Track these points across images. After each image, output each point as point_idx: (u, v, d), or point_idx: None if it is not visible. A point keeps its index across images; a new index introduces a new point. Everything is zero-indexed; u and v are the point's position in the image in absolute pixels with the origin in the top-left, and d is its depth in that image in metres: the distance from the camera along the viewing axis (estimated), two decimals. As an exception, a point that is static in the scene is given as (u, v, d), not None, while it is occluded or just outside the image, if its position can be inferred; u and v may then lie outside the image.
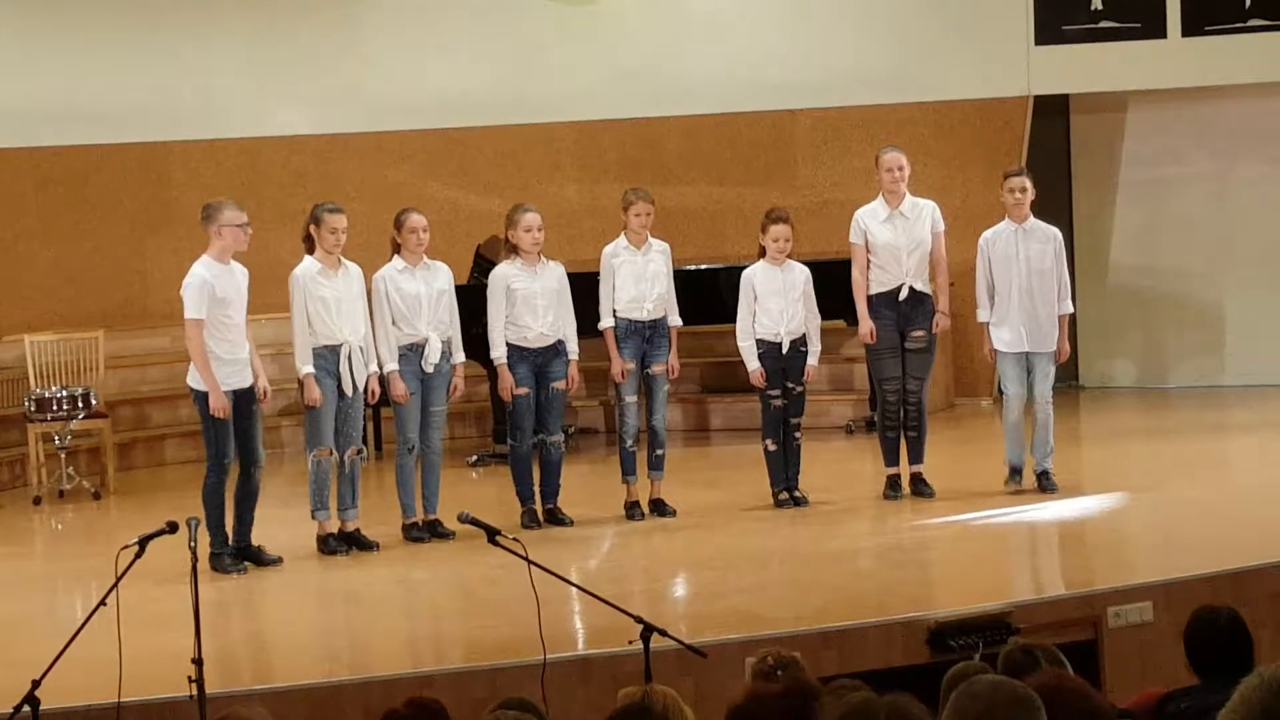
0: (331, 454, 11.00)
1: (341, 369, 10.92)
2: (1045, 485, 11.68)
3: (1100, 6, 15.64)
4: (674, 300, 11.87)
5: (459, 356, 11.44)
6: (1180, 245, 16.38)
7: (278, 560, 10.81)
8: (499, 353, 11.45)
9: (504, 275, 11.49)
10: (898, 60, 16.08)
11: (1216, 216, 16.25)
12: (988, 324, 11.74)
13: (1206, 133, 16.24)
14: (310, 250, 11.01)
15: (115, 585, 7.41)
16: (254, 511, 10.81)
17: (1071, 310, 11.80)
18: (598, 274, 11.78)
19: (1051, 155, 16.20)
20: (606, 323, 11.71)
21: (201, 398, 10.54)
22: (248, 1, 16.38)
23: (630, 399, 11.76)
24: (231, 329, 10.59)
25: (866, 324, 11.72)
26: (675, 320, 11.87)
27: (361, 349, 11.00)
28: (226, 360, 10.55)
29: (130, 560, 7.47)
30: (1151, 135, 16.40)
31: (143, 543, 7.56)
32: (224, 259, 10.61)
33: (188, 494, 12.26)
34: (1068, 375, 15.91)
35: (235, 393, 10.59)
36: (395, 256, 11.31)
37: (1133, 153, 16.48)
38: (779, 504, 11.79)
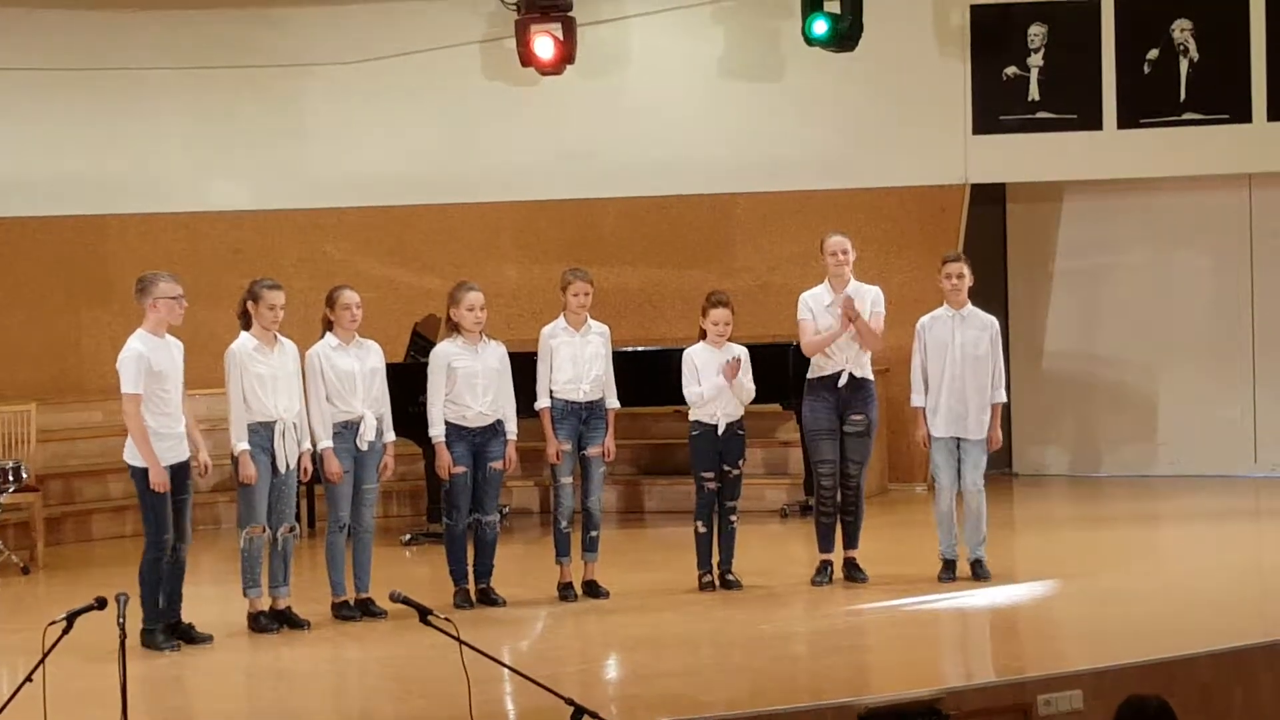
0: (264, 531, 10.94)
1: (276, 445, 10.87)
2: (979, 573, 11.70)
3: (1037, 97, 15.80)
4: (612, 383, 11.87)
5: (390, 435, 11.41)
6: (1114, 334, 16.50)
7: (208, 639, 10.71)
8: (437, 431, 11.42)
9: (445, 354, 11.47)
10: (836, 146, 16.19)
11: (1151, 306, 16.38)
12: (922, 409, 11.77)
13: (1141, 223, 16.40)
14: (246, 326, 10.97)
15: (42, 661, 7.35)
16: (182, 588, 10.72)
17: (1004, 399, 11.83)
18: (536, 354, 11.79)
19: (987, 243, 16.31)
20: (543, 403, 11.70)
21: (139, 474, 10.45)
22: (187, 76, 16.39)
23: (565, 480, 11.74)
24: (168, 403, 10.51)
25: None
26: (613, 403, 11.87)
27: (296, 425, 10.96)
28: (163, 435, 10.47)
29: (58, 636, 7.41)
30: (1087, 225, 16.54)
31: (71, 618, 7.48)
32: (159, 332, 10.56)
33: (118, 569, 12.20)
34: (1001, 463, 15.96)
35: (171, 467, 10.51)
36: (328, 334, 11.28)
37: (1068, 242, 16.62)
38: (702, 586, 11.78)
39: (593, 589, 11.78)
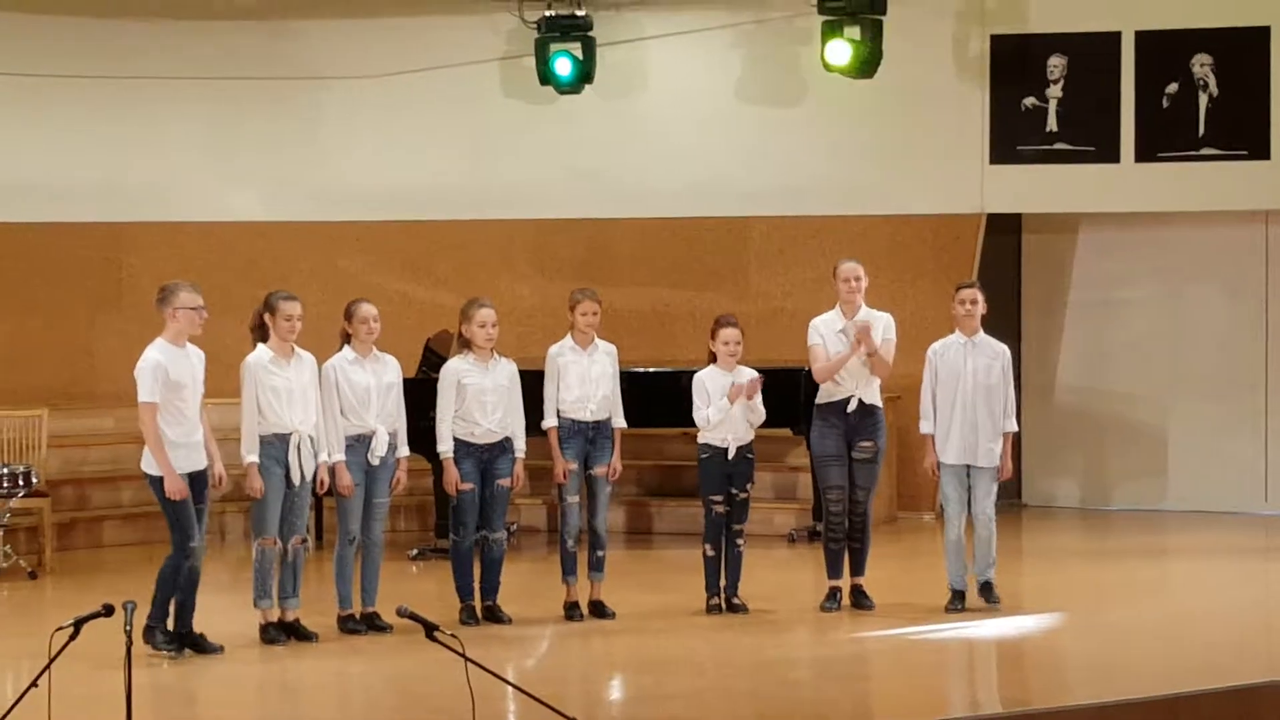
0: (276, 543, 10.94)
1: (290, 458, 10.87)
2: (988, 597, 11.69)
3: (1055, 128, 15.80)
4: (619, 402, 11.88)
5: (403, 450, 11.42)
6: (1127, 368, 16.49)
7: (219, 649, 10.70)
8: (445, 447, 11.42)
9: (455, 370, 11.48)
10: (853, 173, 16.19)
11: (1164, 341, 16.37)
12: (931, 436, 11.76)
13: (1156, 257, 16.38)
14: (261, 338, 10.98)
15: (48, 667, 7.36)
16: (195, 597, 10.72)
17: (1015, 429, 11.81)
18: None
19: (1002, 273, 16.31)
20: (550, 423, 11.70)
21: (156, 483, 10.46)
22: (208, 86, 16.42)
23: (572, 499, 11.74)
24: (185, 412, 10.52)
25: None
26: (620, 422, 11.87)
27: (311, 438, 10.96)
28: (180, 444, 10.48)
29: (64, 642, 7.42)
30: (1102, 258, 16.53)
31: (78, 624, 7.50)
32: (178, 342, 10.57)
33: (126, 576, 12.22)
34: (1010, 493, 15.94)
35: (189, 475, 10.52)
36: (345, 347, 11.30)
37: (1083, 274, 16.61)
38: (710, 609, 11.77)
39: (599, 609, 11.78)
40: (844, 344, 11.70)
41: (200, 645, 10.67)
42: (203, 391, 10.68)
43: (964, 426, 11.66)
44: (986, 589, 11.73)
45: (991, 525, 11.69)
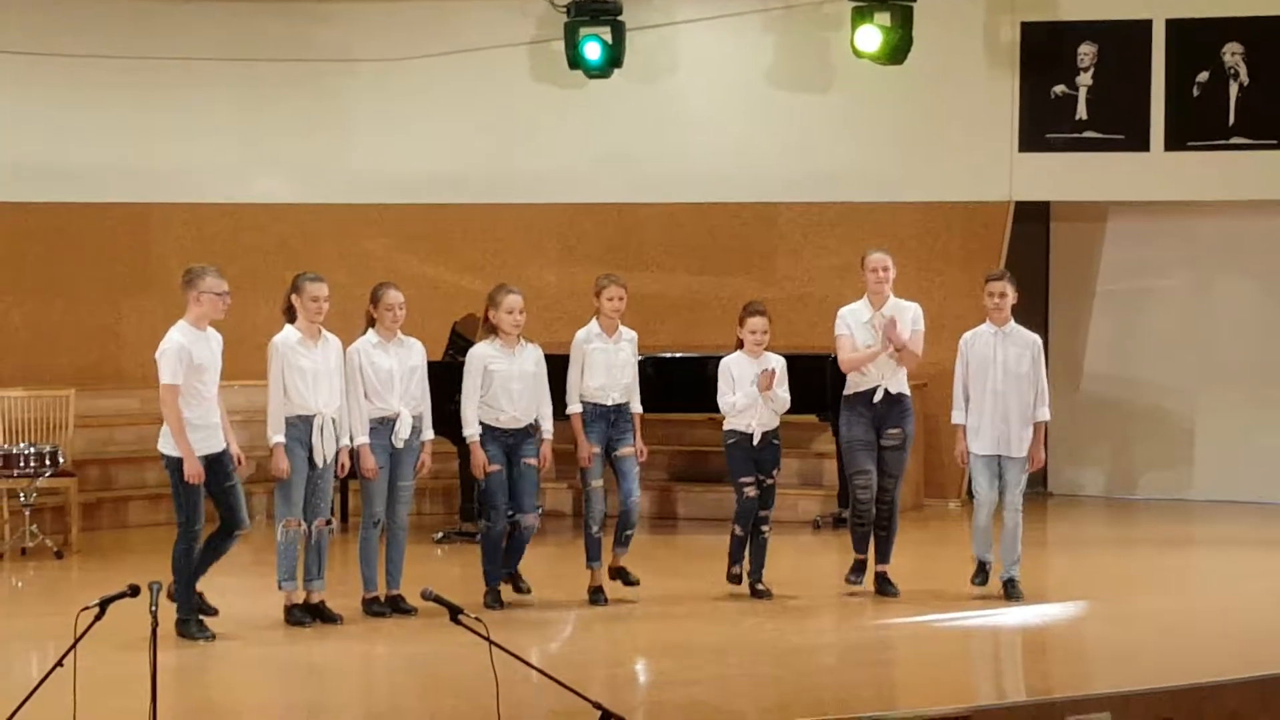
0: (300, 525, 10.96)
1: (314, 439, 10.89)
2: (1011, 593, 11.65)
3: (1085, 116, 15.75)
4: (636, 388, 11.88)
5: (428, 433, 11.43)
6: (1154, 357, 16.44)
7: (214, 611, 10.75)
8: (471, 430, 11.42)
9: (482, 355, 11.47)
10: (881, 160, 16.15)
11: (1192, 330, 16.32)
12: (962, 426, 11.72)
13: (1185, 246, 16.33)
14: (290, 320, 11.00)
15: (73, 646, 7.37)
16: (213, 565, 10.75)
17: (1048, 418, 11.74)
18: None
19: (1030, 261, 16.26)
20: (575, 409, 11.69)
21: (173, 463, 10.49)
22: (235, 68, 16.43)
23: (596, 483, 11.73)
24: (205, 395, 10.54)
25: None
26: (637, 407, 11.87)
27: (335, 420, 10.98)
28: (199, 426, 10.50)
29: (90, 622, 7.43)
30: (1130, 246, 16.48)
31: (103, 604, 7.50)
32: (200, 325, 10.59)
33: (151, 556, 12.22)
34: (1036, 482, 15.89)
35: (206, 458, 10.55)
36: (369, 330, 11.31)
37: (1111, 263, 16.56)
38: (730, 578, 11.80)
39: (622, 574, 11.81)
40: (870, 335, 11.66)
41: (200, 605, 10.72)
42: (219, 374, 10.70)
43: (995, 417, 11.62)
44: (1010, 585, 11.69)
45: (1018, 517, 11.65)
